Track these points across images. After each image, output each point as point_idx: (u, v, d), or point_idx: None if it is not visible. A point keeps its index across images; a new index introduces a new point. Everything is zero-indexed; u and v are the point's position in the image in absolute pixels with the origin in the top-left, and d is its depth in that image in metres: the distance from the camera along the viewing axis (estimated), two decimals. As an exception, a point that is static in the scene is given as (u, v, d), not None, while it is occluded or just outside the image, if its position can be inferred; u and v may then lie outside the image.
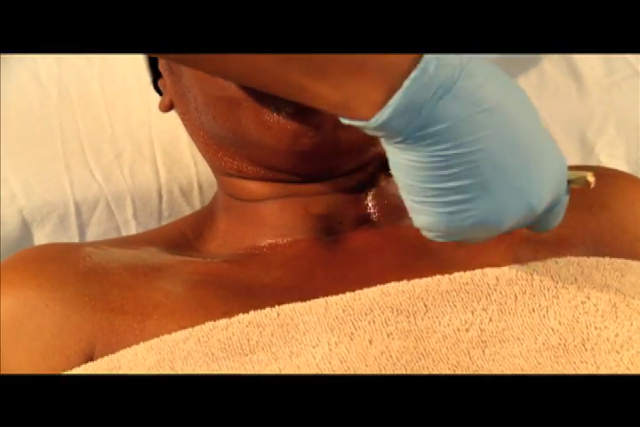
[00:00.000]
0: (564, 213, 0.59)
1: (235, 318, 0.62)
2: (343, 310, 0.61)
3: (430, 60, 0.52)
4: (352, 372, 0.59)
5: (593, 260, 0.65)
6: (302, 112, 0.65)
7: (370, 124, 0.53)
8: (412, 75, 0.52)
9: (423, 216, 0.57)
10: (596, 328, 0.60)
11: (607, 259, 0.65)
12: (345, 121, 0.55)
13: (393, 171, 0.57)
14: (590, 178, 0.59)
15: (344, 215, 0.71)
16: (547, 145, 0.57)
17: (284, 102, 0.65)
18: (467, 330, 0.60)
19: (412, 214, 0.58)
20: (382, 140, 0.56)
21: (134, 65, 0.88)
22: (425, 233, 0.59)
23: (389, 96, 0.52)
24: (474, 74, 0.53)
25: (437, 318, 0.61)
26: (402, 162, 0.55)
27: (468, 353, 0.59)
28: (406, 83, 0.52)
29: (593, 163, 0.92)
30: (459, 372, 0.59)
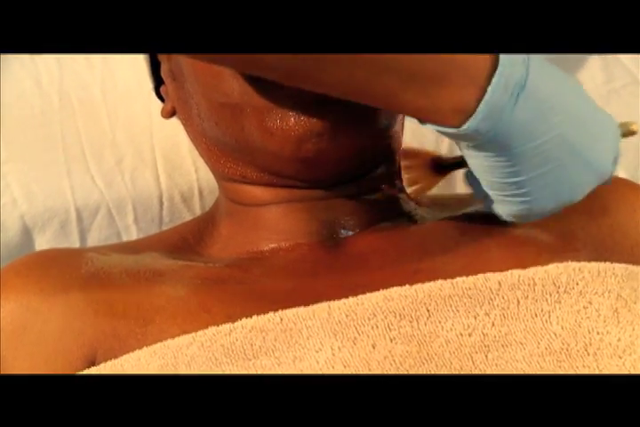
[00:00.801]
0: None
1: (238, 323, 0.62)
2: (346, 315, 0.62)
3: (505, 62, 0.55)
4: (355, 376, 0.59)
5: (594, 265, 0.65)
6: (306, 118, 0.65)
7: (459, 132, 0.57)
8: (495, 80, 0.55)
9: (508, 207, 0.63)
10: (598, 333, 0.60)
11: (608, 264, 0.65)
12: (430, 127, 0.58)
13: (474, 171, 0.62)
14: (635, 127, 0.65)
15: (346, 220, 0.71)
16: (600, 115, 0.62)
17: (287, 109, 0.65)
18: (469, 335, 0.60)
19: (497, 205, 0.64)
20: (460, 143, 0.60)
21: (135, 71, 0.89)
22: (508, 218, 0.65)
23: (476, 102, 0.56)
24: (535, 69, 0.57)
25: (440, 322, 0.61)
26: (482, 163, 0.59)
27: (471, 358, 0.59)
28: (490, 89, 0.55)
29: (592, 170, 0.93)
30: (461, 376, 0.59)
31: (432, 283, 0.63)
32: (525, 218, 0.64)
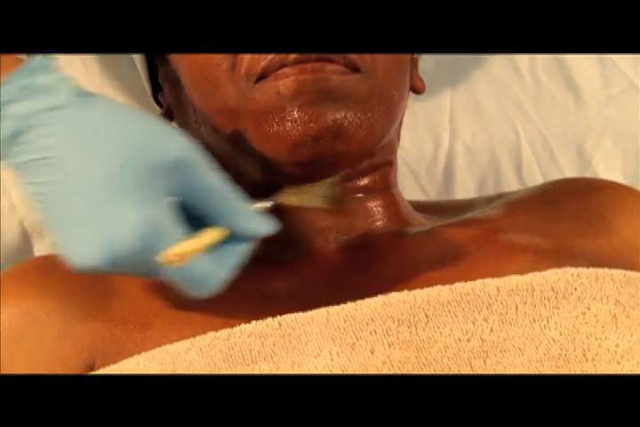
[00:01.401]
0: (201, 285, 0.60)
1: (236, 329, 0.62)
2: (344, 320, 0.62)
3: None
4: (354, 382, 0.59)
5: (592, 271, 0.65)
6: (303, 123, 0.65)
7: None
8: None
9: None
10: (596, 339, 0.60)
11: (606, 270, 0.65)
12: None
13: None
14: (168, 257, 0.57)
15: (343, 225, 0.71)
16: (113, 204, 0.57)
17: (284, 113, 0.65)
18: (468, 340, 0.60)
19: None
20: None
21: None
22: None
23: None
24: (49, 121, 0.57)
25: (438, 328, 0.61)
26: None
27: (470, 363, 0.59)
28: None
29: (590, 175, 0.93)
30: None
31: (430, 288, 0.63)
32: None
